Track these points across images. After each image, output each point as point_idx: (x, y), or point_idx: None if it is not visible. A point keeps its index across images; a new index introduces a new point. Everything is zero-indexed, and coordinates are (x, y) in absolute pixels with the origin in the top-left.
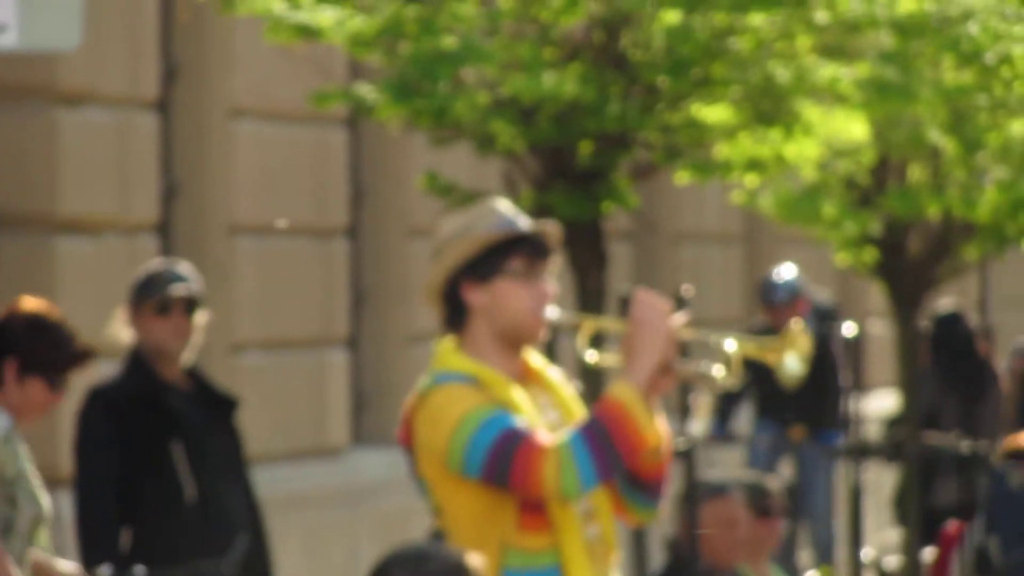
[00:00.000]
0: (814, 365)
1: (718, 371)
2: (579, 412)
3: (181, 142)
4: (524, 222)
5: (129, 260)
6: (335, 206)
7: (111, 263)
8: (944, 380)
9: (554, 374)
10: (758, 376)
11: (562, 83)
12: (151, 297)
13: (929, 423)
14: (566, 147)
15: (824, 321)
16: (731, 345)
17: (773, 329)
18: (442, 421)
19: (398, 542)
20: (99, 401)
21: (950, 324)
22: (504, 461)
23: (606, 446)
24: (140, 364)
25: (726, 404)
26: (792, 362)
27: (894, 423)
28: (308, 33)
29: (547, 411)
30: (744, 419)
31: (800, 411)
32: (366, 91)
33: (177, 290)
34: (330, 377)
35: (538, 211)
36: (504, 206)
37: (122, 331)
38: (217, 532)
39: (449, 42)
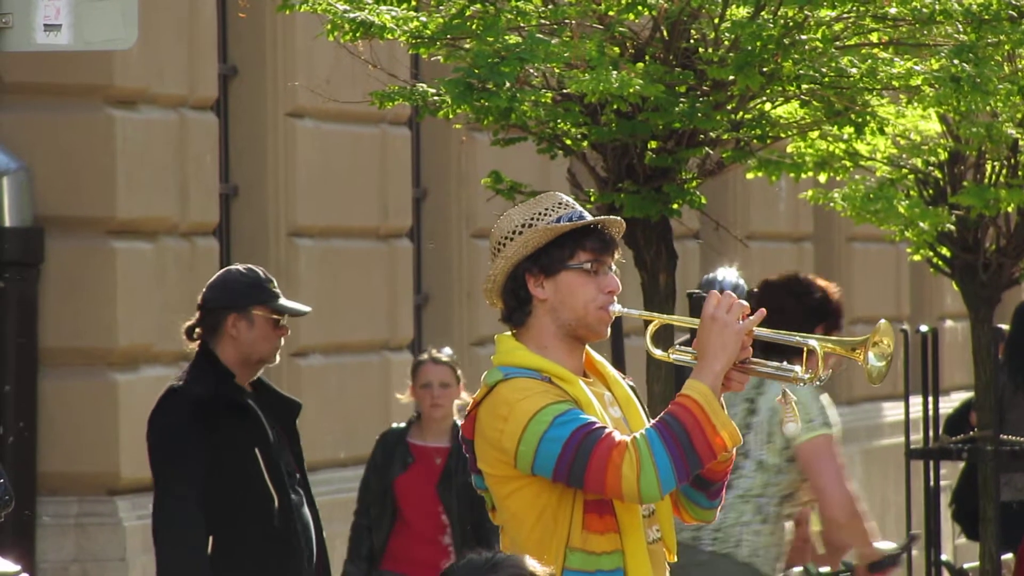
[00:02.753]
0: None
1: (799, 369)
2: (640, 409)
3: (240, 143)
4: (588, 215)
5: (188, 263)
6: (398, 207)
7: (170, 266)
8: (1014, 375)
9: (613, 370)
10: None
11: (629, 81)
12: (266, 305)
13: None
14: (633, 146)
15: None
16: (814, 343)
17: None
18: (513, 417)
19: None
20: (185, 403)
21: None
22: (581, 459)
23: (685, 446)
24: (218, 367)
25: None
26: (876, 360)
27: (953, 423)
28: (369, 31)
29: (610, 408)
30: None
31: None
32: (429, 90)
33: (292, 304)
34: (394, 381)
35: (605, 211)
36: (567, 199)
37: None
38: (298, 541)
39: (513, 40)
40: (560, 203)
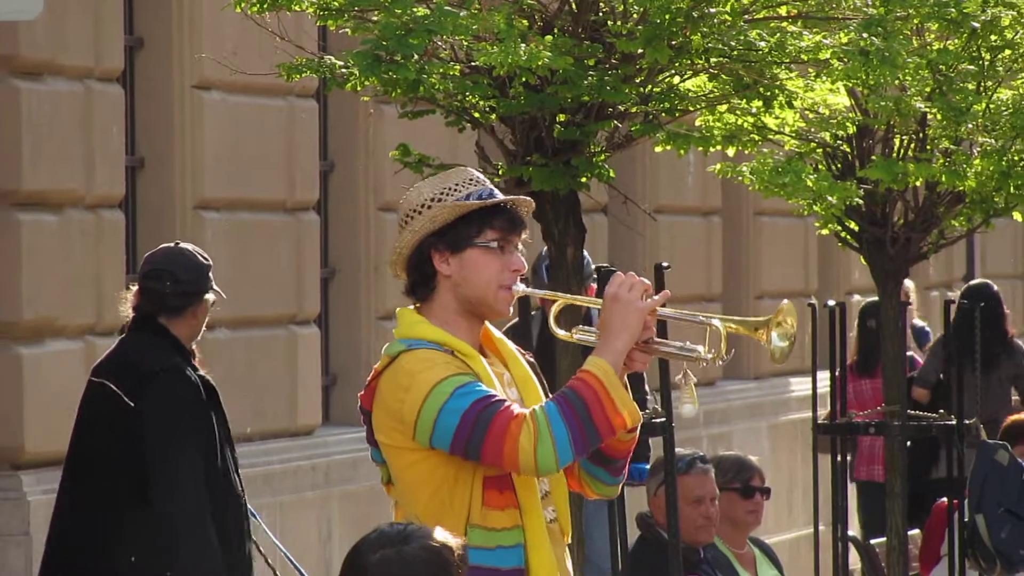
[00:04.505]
0: None
1: (701, 349)
2: (536, 388)
3: (146, 115)
4: (499, 193)
5: (94, 236)
6: (305, 180)
7: (76, 239)
8: (959, 352)
9: (513, 348)
10: None
11: (537, 53)
12: (210, 290)
13: (938, 396)
14: (541, 119)
15: None
16: (717, 323)
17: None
18: (414, 387)
19: (369, 520)
20: (190, 384)
21: (975, 296)
22: (479, 431)
23: (584, 420)
24: (180, 348)
25: None
26: (779, 340)
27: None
28: (276, 2)
29: (508, 389)
30: None
31: None
32: (337, 62)
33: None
34: (302, 356)
35: (514, 184)
36: (478, 175)
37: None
38: (247, 521)
39: (421, 12)
40: (471, 179)
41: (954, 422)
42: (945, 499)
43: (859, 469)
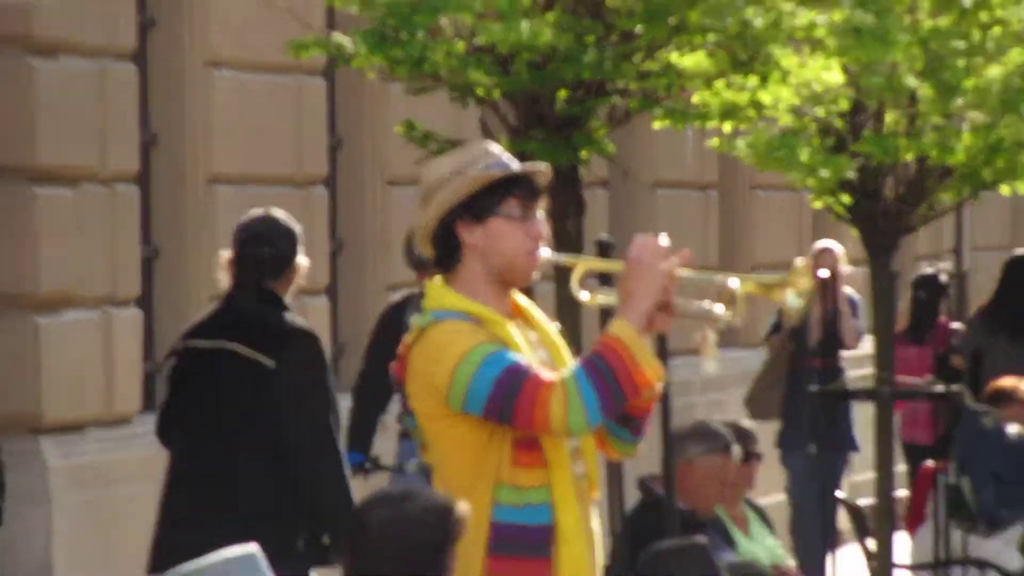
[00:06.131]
0: None
1: (720, 309)
2: (565, 351)
3: (159, 93)
4: (516, 164)
5: (108, 211)
6: (313, 156)
7: (90, 214)
8: (995, 321)
9: (539, 313)
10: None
11: (539, 31)
12: (300, 255)
13: (975, 364)
14: (543, 95)
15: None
16: (734, 283)
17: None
18: (443, 358)
19: (383, 486)
20: (319, 340)
21: (1017, 267)
22: (509, 397)
23: (610, 382)
24: (288, 308)
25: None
26: (795, 299)
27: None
28: None
29: (537, 349)
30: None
31: None
32: (344, 40)
33: None
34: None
35: (516, 159)
36: (496, 147)
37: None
38: None
39: None
40: (489, 151)
41: (943, 389)
42: (931, 461)
43: (904, 431)
